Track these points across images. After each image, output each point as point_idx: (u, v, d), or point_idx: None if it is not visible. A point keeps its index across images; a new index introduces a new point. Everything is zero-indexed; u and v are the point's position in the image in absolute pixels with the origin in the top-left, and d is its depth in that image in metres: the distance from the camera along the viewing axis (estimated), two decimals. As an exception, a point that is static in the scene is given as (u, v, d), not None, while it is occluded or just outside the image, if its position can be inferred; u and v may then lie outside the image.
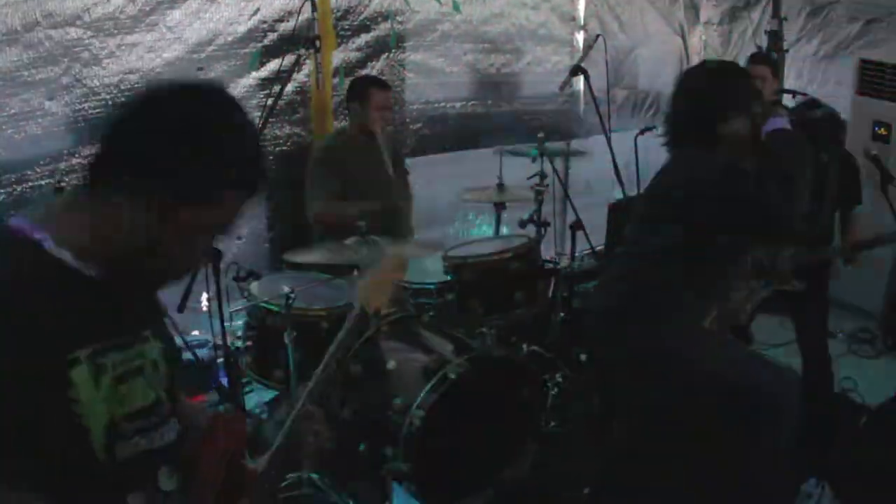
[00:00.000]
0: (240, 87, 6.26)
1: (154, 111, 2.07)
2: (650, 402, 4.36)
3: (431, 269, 5.51)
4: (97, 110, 5.60)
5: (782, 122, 4.11)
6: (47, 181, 5.45)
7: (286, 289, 4.55)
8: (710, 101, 4.08)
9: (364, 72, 6.91)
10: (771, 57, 7.67)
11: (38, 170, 5.43)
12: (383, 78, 6.59)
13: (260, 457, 2.58)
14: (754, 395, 3.99)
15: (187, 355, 5.32)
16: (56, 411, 1.95)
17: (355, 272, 2.92)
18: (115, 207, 2.00)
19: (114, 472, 2.08)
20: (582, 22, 8.52)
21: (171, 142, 2.01)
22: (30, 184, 5.40)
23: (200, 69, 6.05)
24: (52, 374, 1.94)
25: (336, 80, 6.72)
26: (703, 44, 9.61)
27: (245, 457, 2.54)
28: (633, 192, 6.19)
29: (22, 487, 1.92)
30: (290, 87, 6.34)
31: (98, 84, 5.58)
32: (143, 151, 2.00)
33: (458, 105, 7.79)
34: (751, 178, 3.91)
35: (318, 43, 5.23)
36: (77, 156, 5.58)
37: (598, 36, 6.29)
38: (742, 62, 6.45)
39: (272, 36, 6.35)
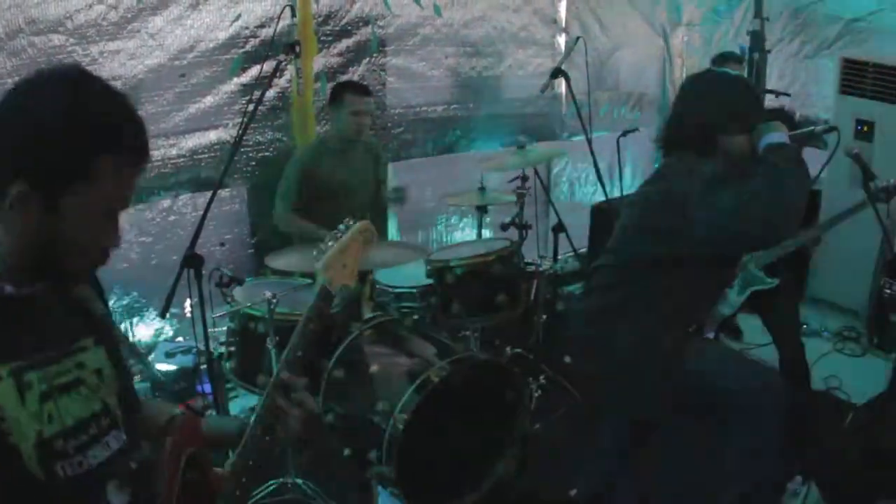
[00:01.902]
0: (221, 93, 6.27)
1: (10, 102, 2.02)
2: (636, 405, 4.34)
3: (414, 273, 5.52)
4: (79, 118, 5.57)
5: (781, 137, 3.99)
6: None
7: (268, 294, 4.56)
8: (715, 112, 4.02)
9: (345, 76, 6.91)
10: (741, 56, 7.72)
11: (22, 178, 5.39)
12: (363, 83, 6.58)
13: (228, 460, 2.51)
14: (739, 397, 3.99)
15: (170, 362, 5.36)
16: None
17: (319, 245, 2.77)
18: (4, 218, 1.96)
19: (57, 492, 2.05)
20: (563, 24, 8.52)
21: (14, 137, 1.96)
22: (15, 192, 5.35)
23: (182, 76, 6.04)
24: None
25: (318, 85, 6.72)
26: (685, 45, 9.63)
27: (209, 462, 2.48)
28: (615, 195, 6.21)
29: None
30: (271, 93, 6.35)
31: (80, 91, 5.55)
32: (7, 145, 1.97)
33: (439, 108, 7.78)
34: (740, 192, 3.77)
35: (298, 48, 5.22)
36: (60, 164, 5.53)
37: (578, 38, 6.31)
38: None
39: (254, 42, 6.34)
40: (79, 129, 1.97)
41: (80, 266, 2.15)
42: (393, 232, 7.21)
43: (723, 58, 7.62)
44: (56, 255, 2.03)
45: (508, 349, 6.00)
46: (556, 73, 6.08)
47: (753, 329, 6.53)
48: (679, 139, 4.16)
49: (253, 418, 2.46)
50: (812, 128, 4.21)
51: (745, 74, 7.30)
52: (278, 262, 5.01)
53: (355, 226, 2.89)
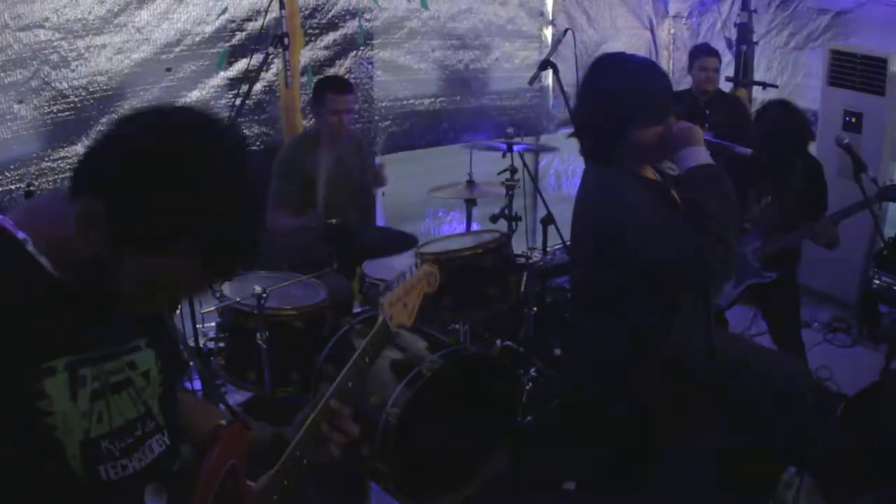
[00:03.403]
0: (208, 87, 6.26)
1: (131, 132, 1.89)
2: (646, 396, 4.27)
3: (403, 266, 5.48)
4: (66, 113, 5.57)
5: (699, 154, 3.72)
6: (17, 185, 5.41)
7: (258, 289, 4.54)
8: (625, 103, 3.74)
9: (332, 70, 6.92)
10: (715, 49, 7.73)
11: (9, 174, 5.40)
12: (346, 79, 6.56)
13: (264, 475, 2.49)
14: (755, 385, 3.95)
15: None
16: (26, 421, 1.87)
17: (382, 285, 2.85)
18: (78, 217, 1.84)
19: (97, 492, 2.02)
20: (550, 17, 8.53)
21: (129, 174, 1.82)
22: (0, 188, 5.36)
23: (169, 70, 6.02)
24: (25, 382, 1.86)
25: (304, 79, 6.71)
26: (672, 37, 9.62)
27: (243, 472, 2.44)
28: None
29: None
30: (258, 87, 6.34)
31: (67, 87, 5.56)
32: (105, 174, 1.86)
33: (426, 101, 7.79)
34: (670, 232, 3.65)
35: (286, 41, 5.20)
36: (47, 159, 5.56)
37: (566, 30, 6.28)
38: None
39: (240, 35, 6.34)
40: (192, 222, 1.86)
41: (116, 304, 2.01)
42: (381, 224, 7.21)
43: (698, 51, 7.65)
44: (104, 282, 1.93)
45: (499, 342, 5.97)
46: (545, 64, 6.06)
47: (738, 322, 6.54)
48: (588, 132, 3.97)
49: (294, 441, 2.48)
50: (730, 144, 4.08)
51: (723, 67, 7.30)
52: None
53: (422, 269, 2.97)
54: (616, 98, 3.76)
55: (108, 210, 1.82)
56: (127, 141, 1.86)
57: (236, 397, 5.48)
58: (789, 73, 8.51)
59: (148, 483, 2.14)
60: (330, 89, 6.02)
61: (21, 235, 1.91)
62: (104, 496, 2.03)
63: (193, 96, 6.20)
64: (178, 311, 5.02)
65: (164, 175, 1.81)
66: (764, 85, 8.08)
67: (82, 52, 5.59)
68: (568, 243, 6.52)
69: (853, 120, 7.24)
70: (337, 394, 2.56)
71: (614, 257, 3.74)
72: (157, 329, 2.27)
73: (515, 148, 6.18)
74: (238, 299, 4.80)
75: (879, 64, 7.05)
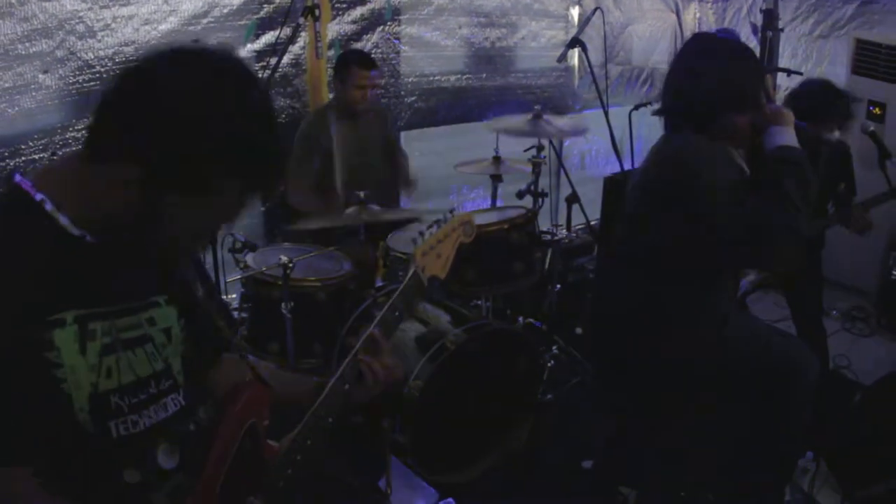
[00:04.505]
0: (234, 60, 6.23)
1: (153, 80, 1.92)
2: (673, 390, 4.25)
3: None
4: (92, 83, 5.55)
5: (787, 136, 3.72)
6: (41, 155, 5.41)
7: (284, 259, 4.54)
8: (723, 88, 3.74)
9: (359, 44, 6.89)
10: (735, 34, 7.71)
11: (32, 144, 5.39)
12: (374, 52, 6.56)
13: (287, 436, 2.47)
14: (775, 374, 3.94)
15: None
16: (34, 372, 1.92)
17: (417, 235, 2.70)
18: (108, 178, 1.91)
19: (106, 447, 2.05)
20: (577, -3, 8.49)
21: (161, 118, 1.87)
22: (23, 158, 5.36)
23: (196, 41, 5.99)
24: (35, 332, 1.91)
25: (331, 53, 6.69)
26: (698, 21, 9.59)
27: (264, 433, 2.41)
28: (628, 167, 6.18)
29: (7, 461, 1.91)
30: (285, 60, 6.30)
31: (93, 57, 5.53)
32: (134, 123, 1.88)
33: (452, 78, 7.76)
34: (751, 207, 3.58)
35: (317, 12, 5.18)
36: (71, 129, 5.55)
37: (596, 9, 6.25)
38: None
39: (268, 8, 6.31)
40: (227, 155, 1.92)
41: (153, 251, 2.10)
42: (405, 201, 7.19)
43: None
44: (137, 231, 1.99)
45: (521, 319, 5.98)
46: (574, 42, 6.03)
47: (759, 309, 6.54)
48: (678, 116, 3.90)
49: (337, 374, 2.45)
50: (818, 131, 4.05)
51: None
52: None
53: (458, 216, 2.80)
54: (709, 82, 3.76)
55: (147, 168, 1.86)
56: (147, 97, 1.90)
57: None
58: (814, 61, 8.47)
59: (160, 441, 2.17)
60: (355, 63, 6.01)
61: (39, 196, 1.96)
62: (115, 451, 2.07)
63: (220, 68, 6.16)
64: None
65: (193, 122, 1.87)
66: (788, 72, 8.03)
67: (109, 22, 5.57)
68: (592, 223, 6.54)
69: (877, 110, 7.21)
70: (381, 322, 2.54)
71: (678, 220, 3.72)
72: (180, 288, 2.30)
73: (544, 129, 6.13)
74: (264, 269, 4.80)
75: (905, 55, 7.04)
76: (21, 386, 1.88)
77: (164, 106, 1.86)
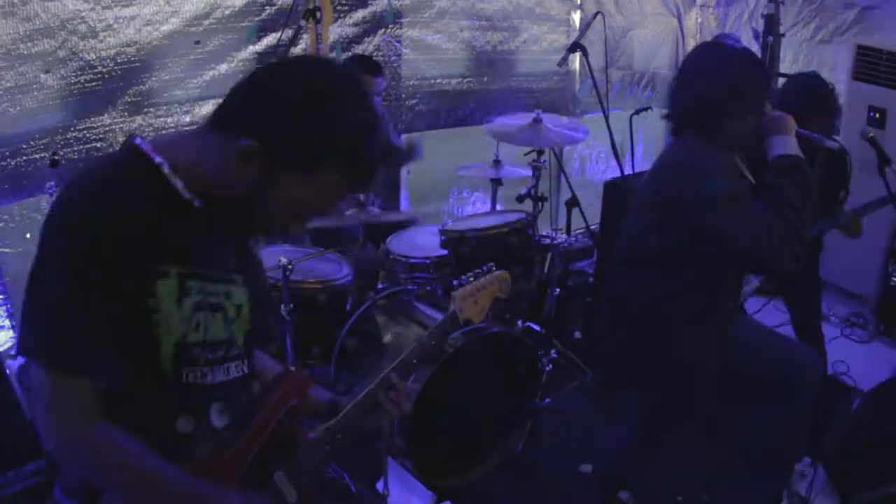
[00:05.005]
0: (236, 61, 6.22)
1: (287, 72, 2.19)
2: (675, 392, 4.26)
3: (428, 244, 5.50)
4: (93, 84, 5.55)
5: (788, 145, 3.76)
6: (42, 155, 5.40)
7: (283, 260, 4.55)
8: (727, 95, 3.79)
9: (361, 47, 6.88)
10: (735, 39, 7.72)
11: (34, 143, 5.37)
12: (376, 55, 6.57)
13: (320, 426, 2.66)
14: (775, 376, 3.96)
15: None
16: (134, 312, 2.09)
17: (457, 284, 3.05)
18: (225, 153, 2.09)
19: (174, 392, 2.19)
20: (578, 1, 8.48)
21: (282, 106, 2.10)
22: (25, 157, 5.35)
23: (198, 42, 6.01)
24: (140, 278, 2.08)
25: (333, 55, 6.70)
26: (699, 26, 9.60)
27: (302, 417, 2.61)
28: (627, 172, 6.19)
29: (84, 373, 2.05)
30: (286, 61, 6.31)
31: (94, 57, 5.52)
32: (265, 104, 2.11)
33: (454, 81, 7.76)
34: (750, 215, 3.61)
35: (319, 14, 5.19)
36: (73, 129, 5.54)
37: (597, 13, 6.26)
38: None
39: (270, 10, 6.30)
40: (336, 146, 2.13)
41: (253, 228, 2.36)
42: (405, 203, 7.20)
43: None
44: (243, 208, 2.19)
45: (520, 322, 5.99)
46: (575, 46, 6.04)
47: (758, 313, 6.56)
48: (684, 120, 3.96)
49: (353, 401, 2.67)
50: (820, 138, 4.05)
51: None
52: None
53: (498, 272, 3.17)
54: (715, 89, 3.81)
55: (267, 145, 2.08)
56: (276, 86, 2.15)
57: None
58: (815, 67, 8.45)
59: (217, 400, 2.32)
60: (362, 70, 5.98)
61: (158, 159, 2.15)
62: (180, 398, 2.23)
63: (222, 70, 6.16)
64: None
65: (311, 108, 2.10)
66: (789, 77, 8.06)
67: (111, 23, 5.56)
68: (592, 227, 6.55)
69: (878, 115, 7.21)
70: (399, 367, 2.74)
71: (681, 226, 3.77)
72: (254, 275, 2.50)
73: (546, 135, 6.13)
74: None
75: (906, 61, 7.05)
76: (119, 320, 2.06)
77: (294, 93, 2.12)
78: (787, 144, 3.73)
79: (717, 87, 3.80)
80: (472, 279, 3.06)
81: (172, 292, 2.14)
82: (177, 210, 2.15)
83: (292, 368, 2.70)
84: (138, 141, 2.17)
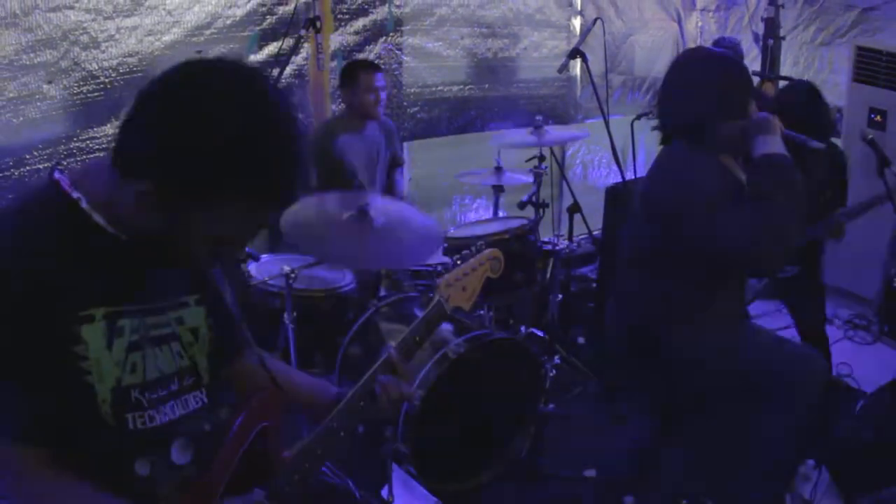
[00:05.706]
0: (238, 71, 6.25)
1: (170, 94, 1.93)
2: (681, 394, 4.27)
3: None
4: (96, 94, 5.57)
5: (773, 144, 3.76)
6: (45, 165, 5.41)
7: (286, 268, 4.56)
8: (711, 99, 3.82)
9: (362, 55, 6.91)
10: (734, 44, 7.73)
11: (37, 153, 5.40)
12: (378, 61, 6.59)
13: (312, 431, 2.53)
14: (780, 378, 3.96)
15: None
16: (62, 363, 1.97)
17: (442, 269, 2.80)
18: (128, 188, 1.92)
19: (121, 439, 2.08)
20: (579, 7, 8.51)
21: (173, 134, 1.88)
22: (28, 167, 5.37)
23: (199, 52, 6.02)
24: (65, 326, 1.96)
25: (334, 64, 6.72)
26: (700, 30, 9.61)
27: (278, 436, 2.45)
28: (629, 176, 6.20)
29: (27, 441, 1.95)
30: (287, 71, 6.32)
31: (97, 67, 5.55)
32: (147, 139, 1.91)
33: (455, 89, 7.77)
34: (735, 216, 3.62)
35: (319, 23, 5.20)
36: (76, 139, 5.57)
37: (596, 19, 6.26)
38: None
39: (271, 19, 6.33)
40: (239, 172, 1.91)
41: (175, 261, 2.16)
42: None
43: (716, 45, 7.65)
44: (159, 240, 2.02)
45: (523, 328, 5.99)
46: (574, 53, 6.05)
47: (762, 316, 6.55)
48: (672, 128, 4.02)
49: (354, 388, 2.53)
50: (805, 139, 4.06)
51: (750, 61, 7.29)
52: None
53: (485, 251, 2.87)
54: (697, 94, 3.86)
55: (160, 186, 1.89)
56: (160, 115, 1.92)
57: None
58: (816, 69, 8.49)
59: (177, 436, 2.21)
60: (360, 69, 6.06)
61: (76, 195, 2.02)
62: (129, 443, 2.10)
63: (224, 79, 6.17)
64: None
65: (203, 139, 1.87)
66: (790, 80, 8.06)
67: (113, 33, 5.59)
68: (594, 233, 6.56)
69: (878, 117, 7.20)
70: (400, 346, 2.63)
71: (674, 233, 3.79)
72: (210, 290, 2.38)
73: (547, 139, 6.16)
74: (266, 279, 4.82)
75: (906, 62, 7.05)
76: (47, 373, 1.94)
77: (173, 125, 1.88)
78: (773, 144, 3.75)
79: (700, 94, 3.86)
80: (458, 262, 2.80)
81: (100, 336, 2.02)
82: (101, 246, 2.03)
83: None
84: (57, 175, 2.05)
